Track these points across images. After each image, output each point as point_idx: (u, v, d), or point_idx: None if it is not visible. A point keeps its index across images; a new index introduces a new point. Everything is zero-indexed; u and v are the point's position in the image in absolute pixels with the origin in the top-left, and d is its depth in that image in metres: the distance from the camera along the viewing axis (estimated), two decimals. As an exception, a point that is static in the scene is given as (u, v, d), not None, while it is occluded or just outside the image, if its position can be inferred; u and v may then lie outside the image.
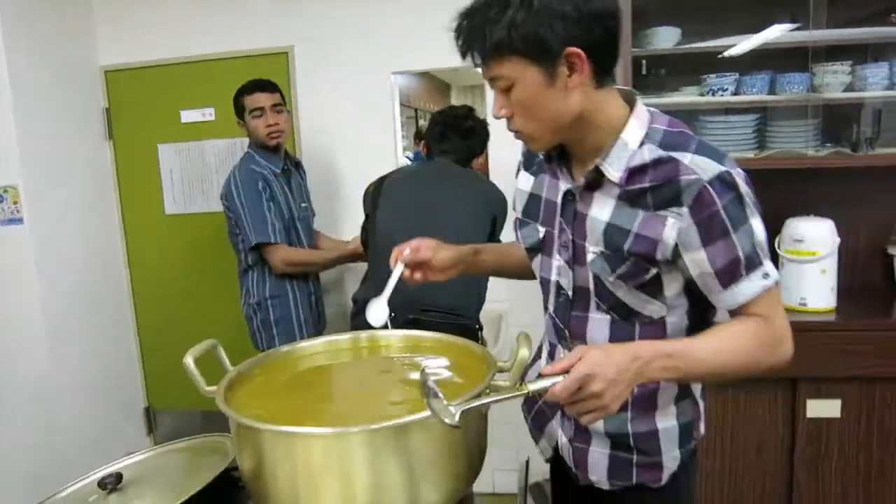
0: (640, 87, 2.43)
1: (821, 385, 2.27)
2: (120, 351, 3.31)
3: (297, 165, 2.78)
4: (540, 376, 0.96)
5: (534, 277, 1.37)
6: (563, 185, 1.21)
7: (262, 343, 2.63)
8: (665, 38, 2.46)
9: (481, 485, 1.18)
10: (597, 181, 1.14)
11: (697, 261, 1.08)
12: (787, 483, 2.36)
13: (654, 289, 1.14)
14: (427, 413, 0.90)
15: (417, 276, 1.35)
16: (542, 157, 1.27)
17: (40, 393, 2.83)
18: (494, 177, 2.67)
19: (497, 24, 1.00)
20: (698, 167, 1.06)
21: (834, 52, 2.40)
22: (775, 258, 1.22)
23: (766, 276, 1.09)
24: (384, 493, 0.95)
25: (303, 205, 2.74)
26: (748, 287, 1.08)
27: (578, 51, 1.02)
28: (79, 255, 3.04)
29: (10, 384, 2.81)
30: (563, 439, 1.32)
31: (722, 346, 1.07)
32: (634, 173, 1.10)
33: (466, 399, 0.93)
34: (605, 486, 1.28)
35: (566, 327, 1.25)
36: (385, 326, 2.05)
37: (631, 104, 1.14)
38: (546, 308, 1.35)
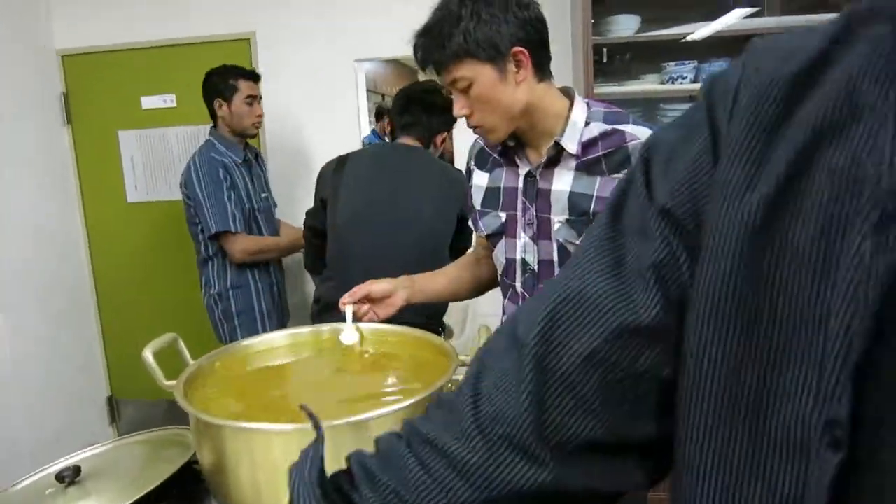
0: (601, 74, 2.46)
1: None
2: (82, 340, 3.27)
3: (257, 156, 2.76)
4: None
5: (485, 290, 1.60)
6: (523, 169, 1.37)
7: (224, 334, 2.61)
8: (625, 26, 2.48)
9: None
10: (555, 158, 1.31)
11: None
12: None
13: None
14: (389, 409, 0.90)
15: (370, 314, 1.43)
16: (495, 154, 1.43)
17: (-1, 384, 2.78)
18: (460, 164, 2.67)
19: (453, 34, 1.20)
20: (639, 133, 1.27)
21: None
22: None
23: None
24: (345, 487, 0.96)
25: (263, 195, 2.71)
26: None
27: (522, 49, 1.23)
28: (37, 242, 2.98)
29: (-33, 376, 2.76)
30: None
31: None
32: (587, 146, 1.30)
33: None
34: None
35: None
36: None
37: (570, 96, 1.35)
38: (505, 294, 1.48)
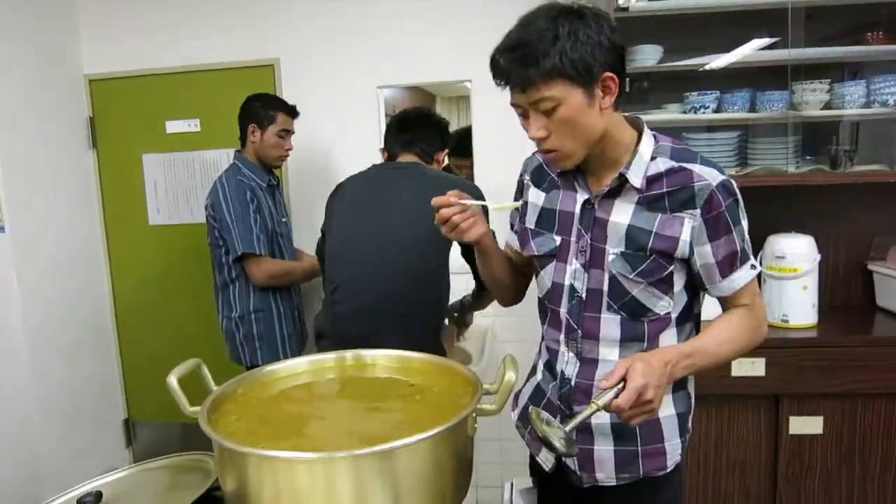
0: (624, 103, 2.45)
1: (803, 402, 2.29)
2: (100, 362, 3.28)
3: (278, 182, 2.78)
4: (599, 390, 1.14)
5: (513, 296, 1.58)
6: (581, 195, 1.36)
7: (245, 358, 2.60)
8: (648, 56, 2.49)
9: (464, 501, 1.18)
10: (617, 189, 1.30)
11: (703, 253, 1.28)
12: (770, 500, 2.37)
13: (666, 286, 1.31)
14: (413, 438, 0.90)
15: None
16: (554, 174, 1.42)
17: (19, 404, 2.78)
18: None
19: (549, 52, 1.15)
20: (707, 175, 1.26)
21: (812, 70, 2.44)
22: (759, 267, 1.37)
23: (753, 266, 1.33)
24: (369, 518, 0.95)
25: (283, 220, 2.74)
26: (742, 276, 1.31)
27: (612, 75, 1.21)
28: (61, 265, 3.01)
29: (-12, 396, 2.78)
30: None
31: (724, 338, 1.30)
32: (652, 181, 1.29)
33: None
34: (612, 482, 1.38)
35: (579, 327, 1.36)
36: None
37: (638, 126, 1.34)
38: (544, 319, 1.47)
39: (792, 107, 2.44)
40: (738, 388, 2.28)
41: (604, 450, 1.37)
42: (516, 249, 1.52)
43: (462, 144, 2.87)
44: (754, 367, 2.25)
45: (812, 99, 2.43)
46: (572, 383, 1.37)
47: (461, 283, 2.29)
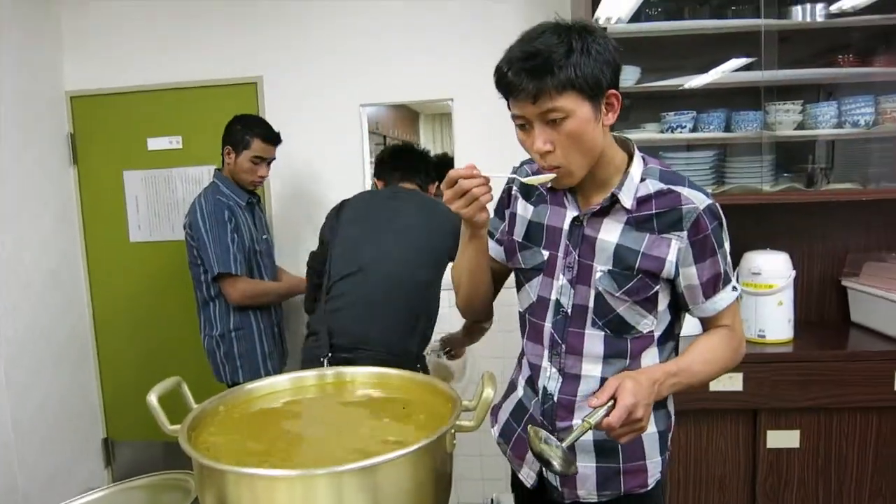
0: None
1: (780, 416, 2.32)
2: (79, 380, 3.24)
3: (258, 200, 2.78)
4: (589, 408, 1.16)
5: (481, 301, 1.53)
6: (571, 213, 1.37)
7: (225, 376, 2.59)
8: (626, 77, 2.53)
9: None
10: (606, 208, 1.32)
11: (689, 275, 1.32)
12: (748, 513, 2.40)
13: (650, 305, 1.33)
14: (392, 455, 0.91)
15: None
16: (543, 188, 1.42)
17: (-5, 423, 2.75)
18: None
19: (563, 64, 1.16)
20: (695, 198, 1.29)
21: (787, 92, 2.50)
22: (740, 289, 1.40)
23: (734, 288, 1.37)
24: (349, 534, 0.95)
25: (264, 237, 2.74)
26: (724, 297, 1.35)
27: (616, 93, 1.24)
28: (40, 281, 2.98)
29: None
30: None
31: (707, 357, 1.34)
32: (641, 202, 1.31)
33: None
34: (593, 498, 1.40)
35: (563, 342, 1.38)
36: (321, 364, 2.05)
37: (628, 148, 1.37)
38: (524, 332, 1.48)
39: (766, 126, 2.49)
40: (716, 403, 2.31)
41: (586, 466, 1.38)
42: (498, 260, 1.52)
43: (444, 171, 2.91)
44: (732, 382, 2.28)
45: (785, 119, 2.49)
46: (555, 399, 1.39)
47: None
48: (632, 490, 1.39)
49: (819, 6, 2.46)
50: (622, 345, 1.35)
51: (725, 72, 2.55)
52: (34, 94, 3.01)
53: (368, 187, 3.05)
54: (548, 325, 1.40)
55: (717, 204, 1.32)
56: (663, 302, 1.35)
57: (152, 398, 1.15)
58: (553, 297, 1.39)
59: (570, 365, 1.37)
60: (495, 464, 1.85)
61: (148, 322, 3.28)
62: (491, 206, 1.39)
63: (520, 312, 1.50)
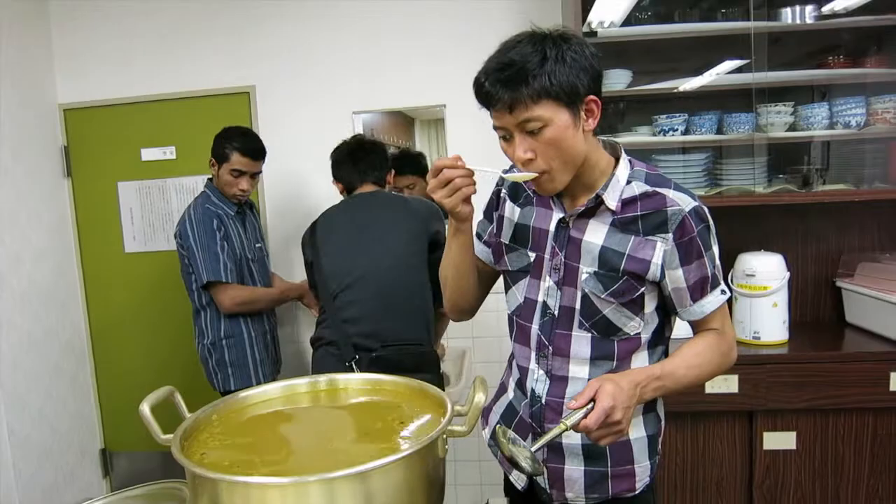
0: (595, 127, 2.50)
1: (776, 417, 2.32)
2: (76, 392, 3.23)
3: (251, 207, 2.78)
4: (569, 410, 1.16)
5: (468, 300, 1.53)
6: (557, 214, 1.37)
7: (218, 384, 2.60)
8: (618, 80, 2.54)
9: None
10: (592, 210, 1.33)
11: (675, 278, 1.31)
12: (746, 515, 2.40)
13: (636, 307, 1.33)
14: (384, 461, 0.91)
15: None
16: (530, 190, 1.42)
17: (-8, 435, 2.74)
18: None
19: (538, 74, 1.16)
20: (680, 200, 1.29)
21: (778, 93, 2.51)
22: (729, 292, 1.39)
23: (723, 291, 1.37)
24: (342, 541, 0.95)
25: (257, 245, 2.74)
26: (712, 301, 1.35)
27: (595, 98, 1.24)
28: (36, 293, 2.98)
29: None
30: None
31: (693, 362, 1.32)
32: (626, 204, 1.31)
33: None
34: (581, 501, 1.40)
35: (550, 344, 1.38)
36: (350, 368, 2.12)
37: (615, 152, 1.37)
38: (512, 333, 1.49)
39: (758, 128, 2.50)
40: (712, 406, 2.32)
41: (573, 469, 1.38)
42: (486, 262, 1.52)
43: (402, 164, 2.95)
44: (727, 384, 2.29)
45: (777, 121, 2.50)
46: (543, 401, 1.39)
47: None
48: (620, 493, 1.39)
49: (809, 8, 2.47)
50: (609, 347, 1.35)
51: (717, 74, 2.57)
52: (27, 108, 3.01)
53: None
54: (535, 328, 1.40)
55: (704, 206, 1.32)
56: (650, 304, 1.35)
57: (145, 408, 1.15)
58: (540, 298, 1.39)
59: (558, 367, 1.38)
60: (494, 469, 1.83)
61: (144, 332, 3.28)
62: (479, 206, 1.40)
63: (508, 315, 1.50)
